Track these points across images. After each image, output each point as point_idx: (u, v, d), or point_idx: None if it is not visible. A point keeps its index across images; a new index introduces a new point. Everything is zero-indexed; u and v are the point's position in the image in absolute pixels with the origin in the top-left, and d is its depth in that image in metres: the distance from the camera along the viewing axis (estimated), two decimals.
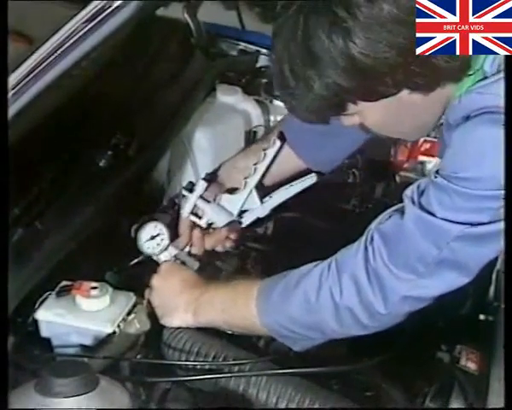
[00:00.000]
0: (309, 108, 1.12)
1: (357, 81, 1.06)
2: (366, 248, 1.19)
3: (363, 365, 1.29)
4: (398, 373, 1.32)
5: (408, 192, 1.17)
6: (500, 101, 1.03)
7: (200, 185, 1.49)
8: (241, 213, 1.52)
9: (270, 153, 1.48)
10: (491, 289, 1.47)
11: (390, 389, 1.29)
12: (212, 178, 1.53)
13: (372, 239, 1.19)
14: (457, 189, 1.08)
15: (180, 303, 1.37)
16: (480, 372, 1.32)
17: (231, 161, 1.57)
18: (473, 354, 1.35)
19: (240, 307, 1.32)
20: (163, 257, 1.50)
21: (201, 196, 1.50)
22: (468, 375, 1.32)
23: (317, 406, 1.22)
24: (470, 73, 1.08)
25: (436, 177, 1.11)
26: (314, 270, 1.25)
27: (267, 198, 1.51)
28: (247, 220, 1.53)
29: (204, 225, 1.52)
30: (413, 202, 1.15)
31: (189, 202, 1.50)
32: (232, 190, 1.52)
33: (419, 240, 1.13)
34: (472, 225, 1.09)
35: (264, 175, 1.50)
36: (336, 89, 1.07)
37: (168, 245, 1.50)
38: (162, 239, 1.48)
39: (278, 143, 1.48)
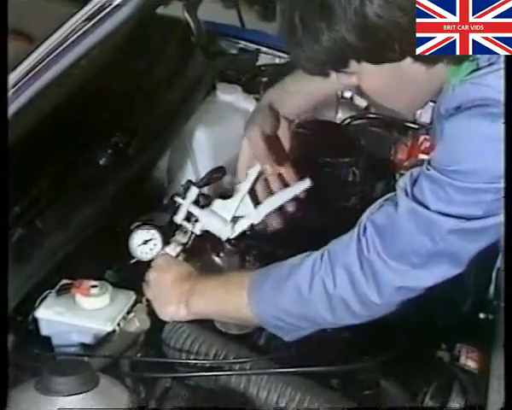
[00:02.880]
0: (313, 60, 1.12)
1: (366, 41, 1.05)
2: (359, 238, 1.19)
3: (364, 364, 1.29)
4: (398, 372, 1.32)
5: (401, 183, 1.17)
6: (493, 93, 1.03)
7: (193, 192, 1.49)
8: (235, 219, 1.52)
9: None
10: (491, 287, 1.47)
11: (390, 387, 1.30)
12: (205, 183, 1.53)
13: (365, 230, 1.19)
14: (450, 182, 1.08)
15: (173, 295, 1.37)
16: (480, 371, 1.32)
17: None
18: (473, 352, 1.35)
19: (232, 297, 1.32)
20: None
21: (194, 202, 1.50)
22: (467, 373, 1.32)
23: (317, 405, 1.22)
24: (470, 58, 1.08)
25: (429, 169, 1.12)
26: (306, 260, 1.25)
27: (260, 204, 1.51)
28: (240, 227, 1.52)
29: (198, 232, 1.51)
30: (406, 194, 1.15)
31: (182, 208, 1.50)
32: (225, 196, 1.52)
33: (413, 232, 1.14)
34: (466, 219, 1.10)
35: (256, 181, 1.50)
36: (343, 45, 1.06)
37: (161, 251, 1.49)
38: (155, 244, 1.47)
39: None
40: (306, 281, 1.23)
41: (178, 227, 1.52)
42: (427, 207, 1.11)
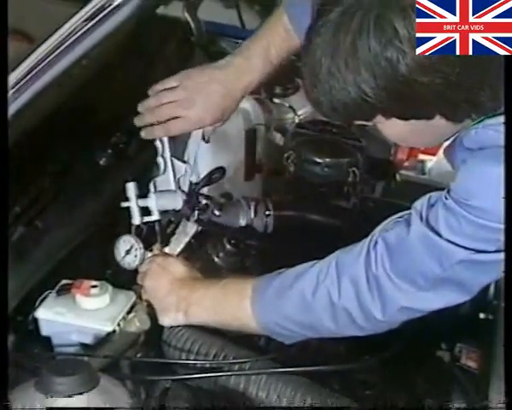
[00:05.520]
0: (336, 109, 1.07)
1: (398, 101, 1.03)
2: (369, 252, 1.18)
3: (364, 364, 1.30)
4: (399, 372, 1.33)
5: (417, 205, 1.16)
6: None
7: (130, 187, 1.46)
8: (178, 185, 1.53)
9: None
10: (491, 287, 1.47)
11: (390, 388, 1.30)
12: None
13: (375, 245, 1.18)
14: (466, 215, 1.08)
15: (171, 302, 1.36)
16: (481, 371, 1.32)
17: None
18: (473, 352, 1.35)
19: (232, 306, 1.32)
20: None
21: (138, 196, 1.47)
22: (468, 373, 1.32)
23: (317, 404, 1.22)
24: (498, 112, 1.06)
25: (447, 198, 1.11)
26: (311, 269, 1.25)
27: (185, 158, 1.55)
28: (184, 186, 1.55)
29: (159, 217, 1.49)
30: (421, 218, 1.14)
31: (133, 209, 1.46)
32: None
33: (423, 256, 1.13)
34: (477, 251, 1.09)
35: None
36: (374, 102, 1.03)
37: (144, 253, 1.47)
38: (136, 249, 1.45)
39: None
40: (310, 289, 1.23)
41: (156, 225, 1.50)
42: (439, 235, 1.11)
